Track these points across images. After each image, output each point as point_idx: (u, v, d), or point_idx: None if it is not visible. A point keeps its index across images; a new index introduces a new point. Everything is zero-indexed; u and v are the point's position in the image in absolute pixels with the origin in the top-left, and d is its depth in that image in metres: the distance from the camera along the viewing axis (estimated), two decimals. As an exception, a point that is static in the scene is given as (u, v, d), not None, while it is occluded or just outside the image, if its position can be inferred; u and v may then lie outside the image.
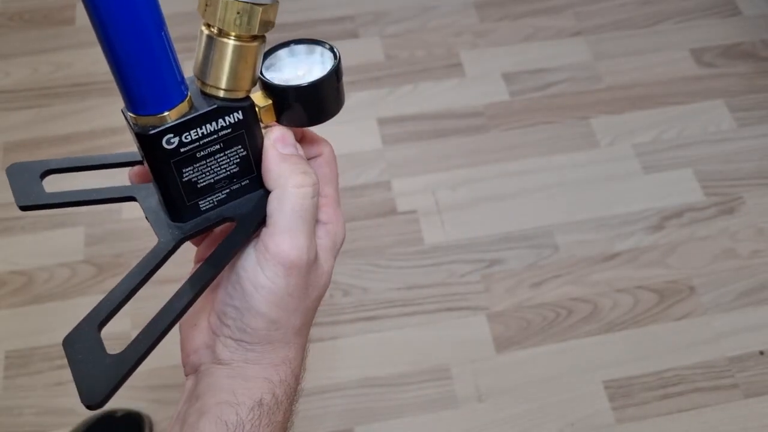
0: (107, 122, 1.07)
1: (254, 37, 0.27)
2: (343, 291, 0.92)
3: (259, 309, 0.29)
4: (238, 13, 0.25)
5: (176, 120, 0.26)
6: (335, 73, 0.29)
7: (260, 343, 0.30)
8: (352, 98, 1.10)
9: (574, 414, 0.83)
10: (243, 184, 0.30)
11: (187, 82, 0.27)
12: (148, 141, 0.27)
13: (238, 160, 0.29)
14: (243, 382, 0.29)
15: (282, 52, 0.30)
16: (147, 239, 0.95)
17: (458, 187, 1.01)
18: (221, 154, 0.29)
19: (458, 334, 0.88)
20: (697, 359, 0.87)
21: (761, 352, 0.87)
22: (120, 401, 0.83)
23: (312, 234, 0.29)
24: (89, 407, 0.25)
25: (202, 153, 0.28)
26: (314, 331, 0.96)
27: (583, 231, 0.97)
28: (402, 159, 1.04)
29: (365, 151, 1.04)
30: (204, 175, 0.29)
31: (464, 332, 0.89)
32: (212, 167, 0.29)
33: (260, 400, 0.29)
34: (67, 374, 0.85)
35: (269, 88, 0.29)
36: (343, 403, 0.84)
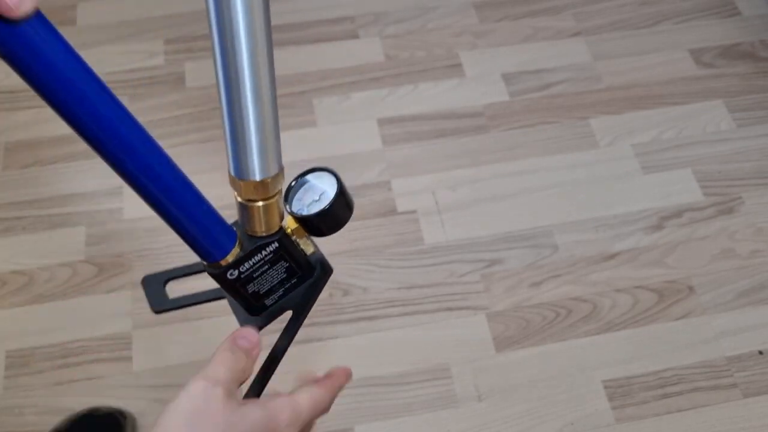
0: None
1: (272, 196, 0.35)
2: (343, 291, 0.92)
3: None
4: (254, 188, 0.34)
5: (232, 261, 0.37)
6: (340, 194, 0.38)
7: None
8: (352, 99, 1.11)
9: (574, 413, 0.83)
10: (293, 282, 0.41)
11: (235, 228, 0.37)
12: (216, 278, 0.37)
13: (284, 270, 0.39)
14: None
15: (300, 185, 0.39)
16: (147, 239, 0.95)
17: (458, 187, 1.01)
18: (271, 270, 0.39)
19: (458, 333, 0.89)
20: (696, 359, 0.87)
21: (760, 352, 0.87)
22: (121, 400, 0.84)
23: None
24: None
25: (257, 274, 0.38)
26: (314, 331, 0.97)
27: (583, 231, 0.97)
28: (402, 159, 1.04)
29: (365, 151, 1.05)
30: (263, 286, 0.39)
31: (464, 332, 0.89)
32: (267, 280, 0.39)
33: None
34: (67, 374, 0.85)
35: (299, 220, 0.38)
36: (344, 402, 0.84)
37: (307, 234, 0.39)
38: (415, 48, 1.16)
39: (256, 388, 0.40)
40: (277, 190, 0.36)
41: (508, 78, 1.12)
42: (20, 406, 0.83)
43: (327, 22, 1.20)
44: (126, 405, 0.83)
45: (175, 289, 0.44)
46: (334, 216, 0.38)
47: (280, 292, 0.40)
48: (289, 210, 0.38)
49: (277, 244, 0.37)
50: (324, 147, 1.04)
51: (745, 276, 0.93)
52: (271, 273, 0.38)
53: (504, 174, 1.02)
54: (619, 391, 0.85)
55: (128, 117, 0.29)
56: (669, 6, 1.22)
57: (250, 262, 0.37)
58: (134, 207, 0.98)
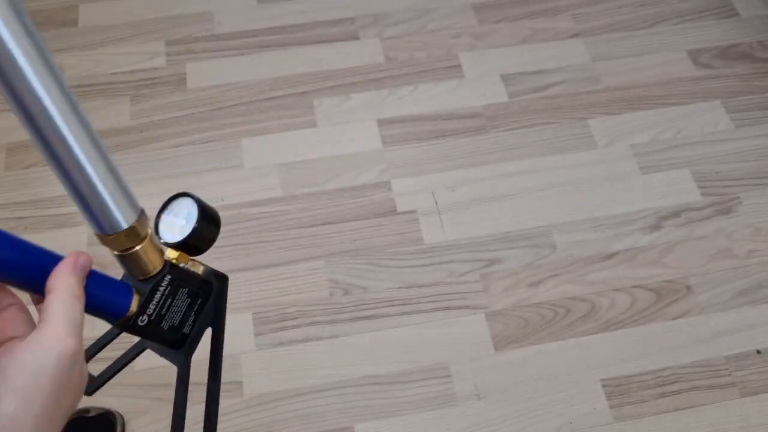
0: (110, 123, 1.08)
1: (144, 236, 0.38)
2: (343, 290, 0.92)
3: (16, 387, 0.31)
4: (126, 237, 0.37)
5: (137, 309, 0.39)
6: (202, 211, 0.41)
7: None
8: (352, 99, 1.11)
9: (572, 412, 0.84)
10: (199, 303, 0.44)
11: (127, 280, 0.40)
12: (131, 330, 0.40)
13: (186, 296, 0.42)
14: None
15: (165, 217, 0.43)
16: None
17: (457, 188, 1.02)
18: (175, 301, 0.41)
19: (457, 332, 0.89)
20: (694, 358, 0.87)
21: (758, 351, 0.88)
22: (121, 399, 0.84)
23: (80, 331, 0.32)
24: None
25: (164, 310, 0.41)
26: (314, 330, 0.97)
27: (581, 231, 0.97)
28: (402, 159, 1.04)
29: (365, 151, 1.05)
30: (175, 318, 0.42)
31: (463, 331, 0.89)
32: (176, 311, 0.42)
33: None
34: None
35: (175, 247, 0.42)
36: (344, 401, 0.84)
37: (188, 257, 0.42)
38: (414, 49, 1.17)
39: None
40: (146, 231, 0.38)
41: (507, 79, 1.13)
42: (22, 405, 0.84)
43: (327, 23, 1.20)
44: (126, 404, 0.84)
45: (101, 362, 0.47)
46: (204, 233, 0.41)
47: (192, 316, 0.43)
48: (163, 242, 0.42)
49: (169, 276, 0.40)
50: (324, 147, 1.05)
51: (743, 276, 0.94)
52: (177, 304, 0.42)
53: (503, 174, 1.03)
54: (618, 390, 0.85)
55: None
56: (667, 7, 1.22)
57: (154, 303, 0.40)
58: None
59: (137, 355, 0.47)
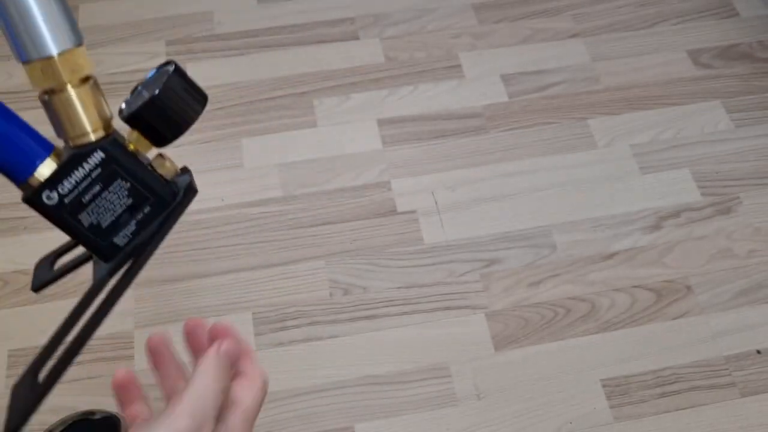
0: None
1: (79, 82, 0.29)
2: (343, 290, 0.92)
3: None
4: (45, 70, 0.28)
5: (46, 178, 0.29)
6: (174, 75, 0.31)
7: None
8: (352, 99, 1.11)
9: (572, 412, 0.84)
10: (146, 211, 0.32)
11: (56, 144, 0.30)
12: (31, 204, 0.31)
13: (126, 192, 0.31)
14: None
15: (137, 86, 0.33)
16: (149, 239, 0.96)
17: (457, 188, 1.02)
18: (106, 192, 0.31)
19: (457, 332, 0.89)
20: (694, 358, 0.87)
21: (758, 351, 0.88)
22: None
23: (208, 415, 0.31)
24: None
25: (86, 197, 0.30)
26: (314, 330, 0.97)
27: (581, 231, 0.98)
28: (402, 159, 1.04)
29: (365, 151, 1.05)
30: (102, 216, 0.31)
31: (463, 331, 0.89)
32: (105, 206, 0.31)
33: None
34: (68, 373, 0.86)
35: (127, 121, 0.31)
36: (344, 401, 0.84)
37: (152, 144, 0.32)
38: (414, 49, 1.17)
39: (57, 369, 0.32)
40: (83, 73, 0.30)
41: (507, 79, 1.13)
42: (22, 405, 0.84)
43: (327, 23, 1.20)
44: (127, 404, 0.84)
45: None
46: (167, 105, 0.30)
47: (132, 226, 0.32)
48: (121, 116, 0.32)
49: (102, 154, 0.30)
50: (324, 147, 1.05)
51: (743, 276, 0.94)
52: (110, 198, 0.31)
53: (503, 174, 1.03)
54: (618, 390, 0.85)
55: None
56: (667, 7, 1.23)
57: (72, 180, 0.30)
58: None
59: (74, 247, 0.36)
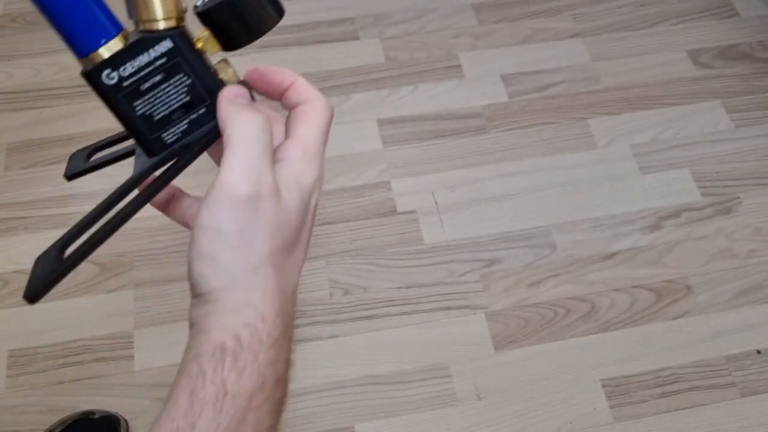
0: (110, 124, 1.07)
1: None
2: (343, 290, 0.92)
3: (203, 252, 0.28)
4: None
5: (109, 56, 0.29)
6: None
7: (213, 290, 0.28)
8: (352, 99, 1.11)
9: (572, 412, 0.84)
10: (201, 113, 0.32)
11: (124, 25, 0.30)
12: (89, 79, 0.30)
13: (186, 88, 0.31)
14: (204, 336, 0.27)
15: None
16: (148, 239, 0.96)
17: (457, 188, 1.02)
18: (166, 84, 0.30)
19: (457, 332, 0.89)
20: (694, 358, 0.87)
21: (758, 351, 0.88)
22: (122, 399, 0.84)
23: (265, 166, 0.28)
24: (27, 299, 0.28)
25: (145, 85, 0.30)
26: (314, 330, 0.97)
27: (581, 231, 0.98)
28: (402, 159, 1.04)
29: (365, 151, 1.05)
30: (156, 107, 0.31)
31: (463, 331, 0.89)
32: (161, 98, 0.30)
33: (221, 344, 0.27)
34: (69, 373, 0.86)
35: (201, 17, 0.31)
36: (344, 401, 0.84)
37: (220, 47, 0.31)
38: (414, 49, 1.17)
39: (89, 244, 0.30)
40: None
41: (506, 79, 1.13)
42: (22, 405, 0.84)
43: (327, 23, 1.20)
44: (127, 404, 0.84)
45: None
46: (245, 7, 0.30)
47: (184, 124, 0.32)
48: (195, 10, 0.31)
49: (170, 43, 0.29)
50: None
51: (743, 276, 0.94)
52: (168, 91, 0.30)
53: (503, 174, 1.03)
54: (617, 390, 0.85)
55: None
56: (667, 7, 1.22)
57: (135, 64, 0.29)
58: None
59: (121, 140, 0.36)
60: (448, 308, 0.91)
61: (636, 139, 1.06)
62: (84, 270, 0.94)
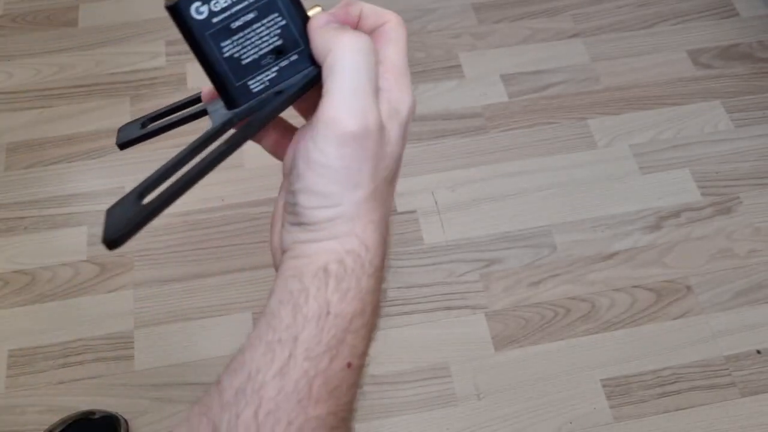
0: (110, 123, 1.08)
1: None
2: (343, 290, 0.92)
3: (312, 187, 0.27)
4: None
5: None
6: None
7: (318, 222, 0.28)
8: (352, 99, 1.11)
9: (572, 412, 0.84)
10: (292, 59, 0.29)
11: None
12: (175, 12, 0.27)
13: (279, 30, 0.28)
14: (305, 259, 0.28)
15: None
16: (148, 239, 0.96)
17: (457, 188, 1.02)
18: (258, 24, 0.28)
19: (457, 332, 0.89)
20: (694, 358, 0.87)
21: (758, 351, 0.88)
22: (122, 399, 0.84)
23: (371, 98, 0.27)
24: (107, 244, 0.25)
25: (237, 23, 0.27)
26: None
27: (581, 231, 0.97)
28: (402, 159, 1.04)
29: (365, 151, 1.05)
30: (246, 50, 0.28)
31: (463, 331, 0.89)
32: (252, 39, 0.28)
33: (325, 266, 0.27)
34: (69, 373, 0.86)
35: None
36: (343, 401, 0.84)
37: None
38: (414, 49, 1.17)
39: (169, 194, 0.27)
40: None
41: (506, 79, 1.13)
42: (22, 405, 0.84)
43: (327, 23, 1.20)
44: (127, 404, 0.84)
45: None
46: None
47: (272, 73, 0.29)
48: None
49: None
50: (324, 147, 1.05)
51: (743, 276, 0.94)
52: (260, 32, 0.28)
53: (503, 174, 1.03)
54: (618, 390, 0.85)
55: None
56: (667, 7, 1.22)
57: None
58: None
59: (196, 116, 0.33)
60: (448, 308, 0.91)
61: (636, 139, 1.06)
62: (84, 270, 0.94)
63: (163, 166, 0.28)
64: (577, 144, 1.06)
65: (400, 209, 1.00)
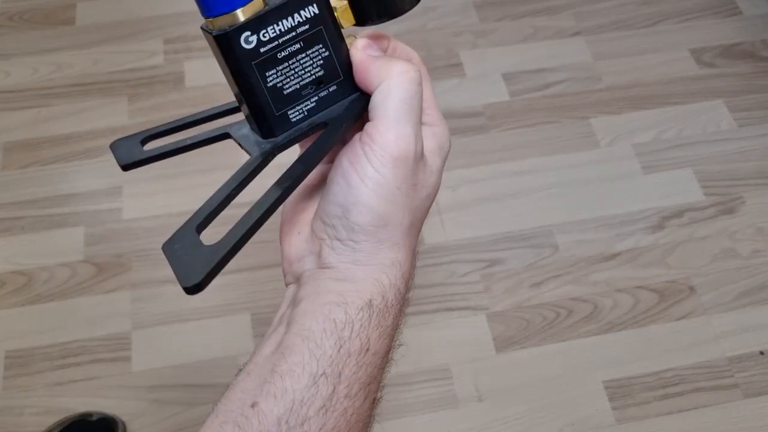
0: (107, 122, 1.07)
1: None
2: (343, 291, 0.92)
3: (367, 202, 0.27)
4: None
5: (251, 16, 0.26)
6: None
7: (368, 241, 0.28)
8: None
9: (574, 414, 0.83)
10: (331, 90, 0.30)
11: None
12: (226, 41, 0.27)
13: (322, 61, 0.29)
14: (351, 284, 0.28)
15: None
16: (146, 239, 0.95)
17: (458, 187, 1.01)
18: (303, 55, 0.28)
19: (458, 333, 0.89)
20: (697, 359, 0.87)
21: (761, 352, 0.87)
22: (119, 401, 0.83)
23: (418, 125, 0.28)
24: (187, 290, 0.25)
25: (283, 53, 0.28)
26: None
27: (583, 231, 0.97)
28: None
29: (365, 151, 1.04)
30: (289, 80, 0.28)
31: (464, 332, 0.89)
32: (296, 70, 0.28)
33: (370, 301, 0.28)
34: (66, 374, 0.85)
35: None
36: (344, 403, 0.84)
37: (354, 20, 0.30)
38: (415, 47, 1.15)
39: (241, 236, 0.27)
40: None
41: (508, 77, 1.12)
42: (19, 407, 0.83)
43: (327, 21, 1.19)
44: (124, 406, 0.83)
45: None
46: None
47: (312, 103, 0.29)
48: None
49: (316, 9, 0.27)
50: (324, 147, 1.04)
51: (746, 276, 0.93)
52: (303, 61, 0.28)
53: (504, 174, 1.02)
54: (620, 392, 0.84)
55: None
56: (669, 5, 1.22)
57: (275, 29, 0.27)
58: (133, 207, 0.98)
59: (205, 142, 0.33)
60: (449, 309, 0.90)
61: (638, 138, 1.06)
62: (82, 270, 0.93)
63: (214, 198, 0.29)
64: (579, 143, 1.05)
65: (400, 209, 0.99)
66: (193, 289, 0.25)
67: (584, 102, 1.10)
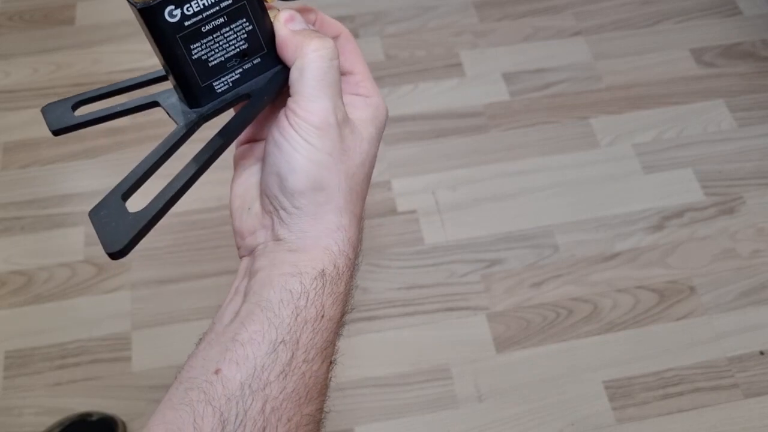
0: (107, 122, 1.07)
1: None
2: (343, 291, 0.92)
3: (301, 168, 0.29)
4: None
5: None
6: None
7: (309, 205, 0.30)
8: (352, 98, 1.10)
9: (575, 414, 0.83)
10: (255, 62, 0.31)
11: None
12: (150, 14, 0.27)
13: (246, 35, 0.30)
14: (304, 254, 0.30)
15: None
16: (146, 239, 0.95)
17: (458, 187, 1.01)
18: (227, 29, 0.29)
19: (458, 334, 0.88)
20: (697, 359, 0.87)
21: (761, 352, 0.87)
22: (119, 401, 0.83)
23: (337, 96, 0.30)
24: (111, 255, 0.27)
25: (207, 27, 0.29)
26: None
27: (584, 231, 0.97)
28: (402, 159, 1.04)
29: (365, 151, 1.04)
30: (214, 52, 0.30)
31: (464, 332, 0.89)
32: (220, 43, 0.29)
33: (323, 270, 0.29)
34: (66, 374, 0.85)
35: None
36: (343, 403, 0.84)
37: None
38: (415, 47, 1.16)
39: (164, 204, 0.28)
40: None
41: (508, 77, 1.12)
42: (19, 407, 0.83)
43: (327, 21, 1.19)
44: (124, 406, 0.83)
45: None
46: None
47: (236, 75, 0.31)
48: None
49: None
50: (324, 147, 1.04)
51: (746, 276, 0.93)
52: (227, 35, 0.29)
53: (504, 174, 1.02)
54: (620, 392, 0.84)
55: None
56: (670, 5, 1.22)
57: (201, 2, 0.28)
58: (133, 207, 0.98)
59: (136, 109, 0.34)
60: (449, 309, 0.90)
61: (638, 138, 1.06)
62: (82, 270, 0.93)
63: (140, 166, 0.30)
64: (579, 143, 1.05)
65: (400, 209, 0.99)
66: (117, 255, 0.27)
67: (584, 102, 1.10)
